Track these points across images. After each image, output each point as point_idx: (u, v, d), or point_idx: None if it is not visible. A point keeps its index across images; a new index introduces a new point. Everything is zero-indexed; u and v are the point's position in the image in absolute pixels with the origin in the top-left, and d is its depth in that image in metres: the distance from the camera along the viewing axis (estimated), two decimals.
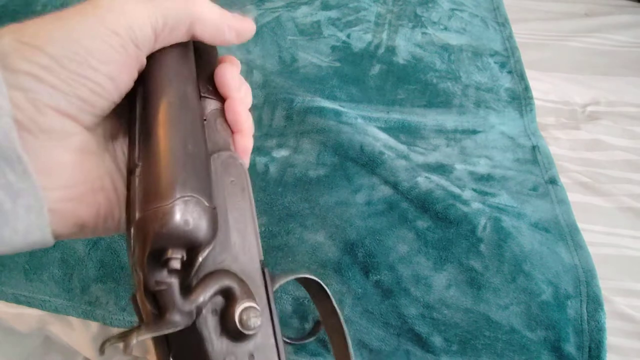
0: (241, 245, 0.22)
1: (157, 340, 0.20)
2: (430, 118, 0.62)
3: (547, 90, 0.71)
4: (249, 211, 0.24)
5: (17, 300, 0.49)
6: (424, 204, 0.49)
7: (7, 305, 0.50)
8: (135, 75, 0.23)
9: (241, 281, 0.21)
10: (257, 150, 0.56)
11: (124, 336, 0.18)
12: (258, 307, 0.20)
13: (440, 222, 0.48)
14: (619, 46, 0.81)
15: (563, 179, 0.55)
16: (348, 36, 0.76)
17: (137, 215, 0.20)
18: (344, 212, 0.49)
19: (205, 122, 0.25)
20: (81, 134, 0.21)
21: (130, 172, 0.22)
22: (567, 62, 0.77)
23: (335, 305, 0.26)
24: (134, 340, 0.18)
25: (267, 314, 0.22)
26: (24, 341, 0.57)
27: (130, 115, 0.24)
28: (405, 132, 0.61)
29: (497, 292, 0.43)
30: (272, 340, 0.21)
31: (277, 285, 0.24)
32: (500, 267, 0.44)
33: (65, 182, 0.21)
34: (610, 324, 0.42)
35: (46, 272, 0.48)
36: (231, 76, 0.26)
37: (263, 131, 0.58)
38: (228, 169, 0.24)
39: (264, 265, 0.23)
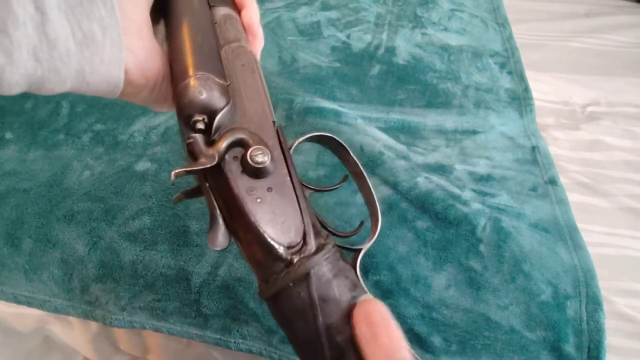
0: (254, 111, 0.28)
1: (199, 177, 0.27)
2: (430, 118, 0.63)
3: (547, 91, 0.71)
4: (260, 87, 0.30)
5: (17, 300, 0.49)
6: (424, 204, 0.49)
7: (7, 305, 0.50)
8: None
9: (254, 134, 0.27)
10: None
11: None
12: (266, 148, 0.26)
13: (440, 223, 0.48)
14: (619, 46, 0.81)
15: (563, 179, 0.55)
16: (348, 37, 0.77)
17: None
18: (343, 212, 0.49)
19: (216, 24, 0.32)
20: (146, 6, 0.27)
21: (170, 66, 0.29)
22: (567, 62, 0.77)
23: (353, 156, 0.32)
24: (174, 172, 0.24)
25: (283, 161, 0.27)
26: (24, 341, 0.57)
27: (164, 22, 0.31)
28: (405, 132, 0.61)
29: (496, 292, 0.43)
30: (288, 179, 0.27)
31: (295, 143, 0.29)
32: (500, 267, 0.44)
33: (137, 31, 0.26)
34: (610, 324, 0.42)
35: (46, 272, 0.48)
36: None
37: None
38: (238, 56, 0.31)
39: (276, 125, 0.29)
